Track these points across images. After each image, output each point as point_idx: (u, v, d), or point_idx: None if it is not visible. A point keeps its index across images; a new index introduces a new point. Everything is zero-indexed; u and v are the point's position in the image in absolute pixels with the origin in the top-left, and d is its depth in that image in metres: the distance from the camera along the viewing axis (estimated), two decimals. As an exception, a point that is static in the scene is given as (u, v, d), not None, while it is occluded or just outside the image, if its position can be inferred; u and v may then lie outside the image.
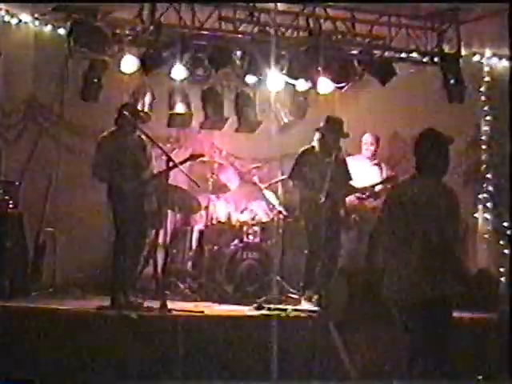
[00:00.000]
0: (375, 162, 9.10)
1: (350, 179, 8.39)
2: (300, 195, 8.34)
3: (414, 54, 8.78)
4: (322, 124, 8.29)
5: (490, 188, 9.72)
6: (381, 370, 6.93)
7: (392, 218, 5.20)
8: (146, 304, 7.45)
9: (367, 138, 9.08)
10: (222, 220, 8.96)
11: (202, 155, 8.35)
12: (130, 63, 8.11)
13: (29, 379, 6.17)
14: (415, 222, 5.08)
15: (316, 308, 7.68)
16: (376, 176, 8.87)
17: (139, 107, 8.66)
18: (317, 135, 8.26)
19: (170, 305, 7.31)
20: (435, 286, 5.06)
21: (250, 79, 8.65)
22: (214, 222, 8.91)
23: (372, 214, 9.01)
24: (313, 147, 8.27)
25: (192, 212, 8.91)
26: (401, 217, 5.15)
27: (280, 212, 8.70)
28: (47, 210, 8.65)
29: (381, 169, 9.11)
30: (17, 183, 8.13)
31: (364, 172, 8.77)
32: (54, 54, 8.47)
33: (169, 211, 8.49)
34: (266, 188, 8.91)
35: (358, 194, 8.70)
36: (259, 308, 7.70)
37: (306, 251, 8.17)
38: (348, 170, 8.35)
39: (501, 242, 9.56)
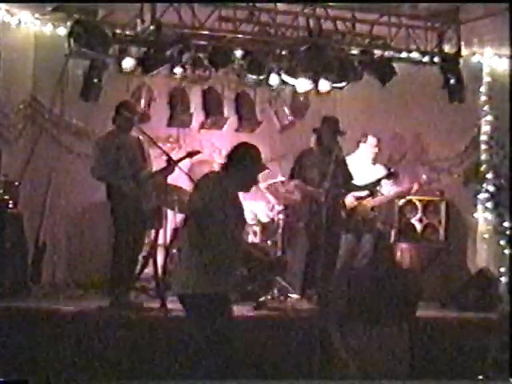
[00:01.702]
0: (371, 161, 9.11)
1: (351, 178, 8.39)
2: (300, 195, 8.34)
3: (414, 54, 8.77)
4: (319, 125, 8.31)
5: (490, 188, 9.72)
6: (381, 369, 6.93)
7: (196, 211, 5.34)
8: (145, 304, 7.45)
9: (371, 141, 9.05)
10: (222, 220, 8.95)
11: (199, 152, 8.35)
12: (130, 63, 8.11)
13: (23, 379, 6.17)
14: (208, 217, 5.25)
15: (316, 308, 7.68)
16: (371, 175, 8.88)
17: (139, 107, 8.67)
18: (314, 136, 8.27)
19: (169, 305, 7.31)
20: (211, 281, 5.21)
21: (250, 79, 8.65)
22: (214, 221, 8.90)
23: (371, 214, 9.04)
24: (311, 149, 8.29)
25: (192, 212, 8.89)
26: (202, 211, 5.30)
27: (280, 212, 8.70)
28: (47, 210, 8.65)
29: (376, 168, 9.12)
30: (17, 183, 8.13)
31: (359, 171, 8.78)
32: (53, 53, 8.46)
33: (169, 211, 8.48)
34: (266, 188, 8.91)
35: (356, 194, 8.70)
36: (259, 308, 7.70)
37: (306, 251, 8.17)
38: (348, 170, 8.36)
39: (501, 242, 9.56)
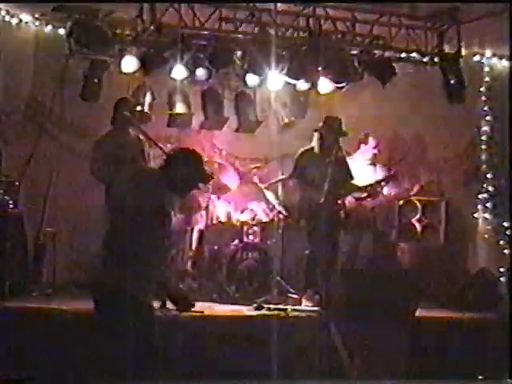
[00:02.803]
0: (370, 162, 9.12)
1: (352, 178, 8.39)
2: (300, 195, 8.34)
3: (414, 54, 8.78)
4: (320, 124, 8.31)
5: (490, 188, 9.72)
6: (381, 369, 6.93)
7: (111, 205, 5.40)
8: (146, 304, 7.44)
9: (371, 142, 9.07)
10: (222, 220, 8.96)
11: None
12: (130, 63, 8.11)
13: (22, 379, 6.17)
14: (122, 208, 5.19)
15: (316, 308, 7.68)
16: (371, 176, 8.88)
17: (139, 107, 8.67)
18: (316, 135, 8.27)
19: (170, 305, 7.30)
20: (118, 272, 5.09)
21: (250, 79, 8.65)
22: (214, 221, 8.91)
23: (371, 214, 9.05)
24: (312, 148, 8.29)
25: (192, 212, 8.91)
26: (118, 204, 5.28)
27: (280, 212, 8.70)
28: (47, 210, 8.64)
29: (375, 169, 9.12)
30: (17, 183, 8.13)
31: (359, 172, 8.78)
32: (53, 54, 8.47)
33: (169, 211, 8.47)
34: (266, 188, 8.91)
35: (356, 195, 8.70)
36: (259, 308, 7.71)
37: (306, 251, 8.17)
38: (349, 170, 8.36)
39: (501, 242, 9.56)
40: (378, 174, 9.00)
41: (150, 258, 5.11)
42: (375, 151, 9.07)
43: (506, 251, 9.43)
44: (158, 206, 5.10)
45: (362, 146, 9.09)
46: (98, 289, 5.17)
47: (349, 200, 8.60)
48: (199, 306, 7.73)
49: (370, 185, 8.58)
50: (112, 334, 5.19)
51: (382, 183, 8.66)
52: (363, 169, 8.93)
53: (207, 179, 5.62)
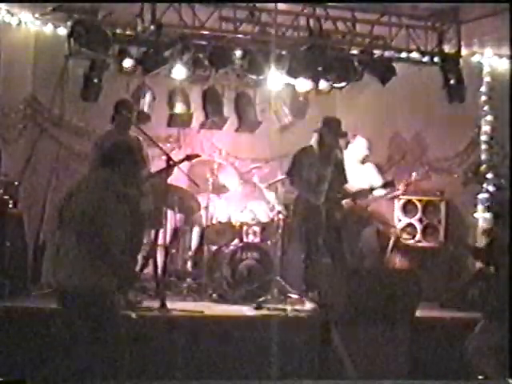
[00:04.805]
0: (361, 161, 9.12)
1: (346, 182, 8.37)
2: (296, 195, 8.32)
3: (414, 54, 8.78)
4: (319, 124, 8.30)
5: (490, 188, 9.71)
6: (380, 369, 6.93)
7: (66, 207, 5.43)
8: (145, 304, 7.45)
9: (360, 141, 9.07)
10: (222, 220, 8.96)
11: (198, 155, 8.36)
12: (130, 63, 8.11)
13: (22, 379, 6.16)
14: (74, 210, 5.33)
15: (316, 308, 7.68)
16: (361, 176, 8.87)
17: (139, 107, 8.68)
18: (315, 136, 8.27)
19: (169, 305, 7.31)
20: (91, 274, 5.26)
21: (250, 79, 8.66)
22: (214, 221, 8.91)
23: (367, 212, 9.05)
24: (311, 147, 8.27)
25: (192, 212, 8.91)
26: (70, 206, 5.39)
27: (280, 212, 8.70)
28: (47, 209, 8.64)
29: (366, 168, 9.13)
30: (17, 183, 8.13)
31: (348, 171, 8.77)
32: (53, 53, 8.47)
33: (169, 211, 8.49)
34: (266, 188, 8.91)
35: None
36: (259, 308, 7.71)
37: (302, 256, 8.15)
38: (345, 173, 8.34)
39: (501, 242, 9.54)
40: (370, 173, 9.01)
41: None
42: (366, 152, 9.10)
43: (506, 251, 9.41)
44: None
45: (350, 145, 9.10)
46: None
47: (345, 200, 8.60)
48: (199, 306, 7.76)
49: (368, 190, 8.56)
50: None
51: (378, 189, 8.65)
52: (353, 168, 8.91)
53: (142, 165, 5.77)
